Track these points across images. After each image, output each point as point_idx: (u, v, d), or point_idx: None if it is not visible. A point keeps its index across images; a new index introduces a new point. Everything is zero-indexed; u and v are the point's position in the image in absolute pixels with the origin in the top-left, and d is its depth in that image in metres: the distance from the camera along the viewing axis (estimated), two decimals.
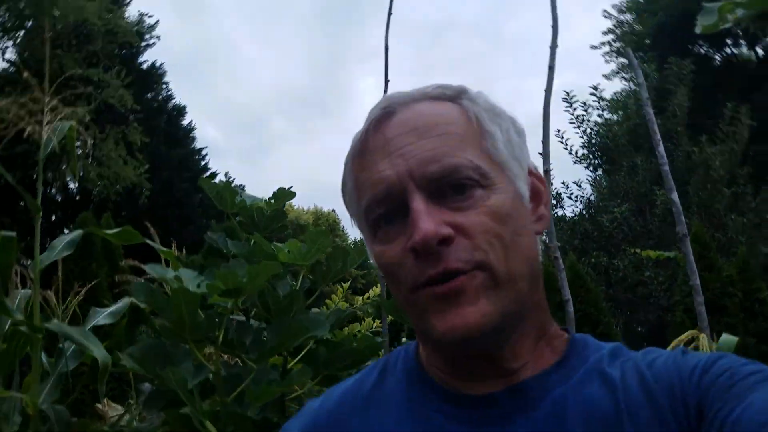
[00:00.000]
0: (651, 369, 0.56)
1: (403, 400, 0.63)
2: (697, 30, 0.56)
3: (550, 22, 2.81)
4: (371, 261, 0.69)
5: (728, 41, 16.75)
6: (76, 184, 16.00)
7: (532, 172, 0.64)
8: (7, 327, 1.95)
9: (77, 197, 16.82)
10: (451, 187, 0.57)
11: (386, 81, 2.72)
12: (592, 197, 8.92)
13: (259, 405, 1.26)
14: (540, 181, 0.65)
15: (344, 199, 0.68)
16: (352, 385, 0.69)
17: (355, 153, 0.64)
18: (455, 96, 0.63)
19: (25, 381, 1.97)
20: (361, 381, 0.68)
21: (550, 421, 0.55)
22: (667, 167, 2.83)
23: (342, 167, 0.68)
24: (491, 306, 0.55)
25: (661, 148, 2.82)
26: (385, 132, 0.61)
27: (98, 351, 1.66)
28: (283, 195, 1.97)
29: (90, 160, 13.48)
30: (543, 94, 2.48)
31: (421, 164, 0.57)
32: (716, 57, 17.21)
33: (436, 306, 0.55)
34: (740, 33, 16.32)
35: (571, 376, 0.59)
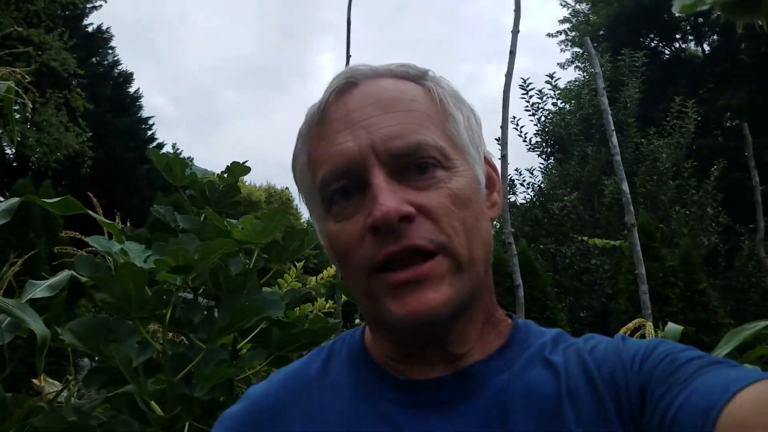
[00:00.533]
0: (592, 355, 0.57)
1: (347, 385, 0.62)
2: (675, 10, 0.54)
3: (512, 7, 2.80)
4: (320, 240, 0.67)
5: (677, 36, 17.34)
6: (14, 151, 15.19)
7: (487, 160, 0.64)
8: None
9: (14, 164, 15.98)
10: (413, 165, 0.56)
11: (348, 56, 2.66)
12: (543, 185, 9.12)
13: (207, 386, 1.22)
14: (493, 169, 0.65)
15: (294, 173, 0.65)
16: (295, 370, 0.67)
17: (312, 122, 0.61)
18: (420, 76, 0.62)
19: None
20: (306, 366, 0.67)
21: (494, 408, 0.56)
22: (619, 157, 2.90)
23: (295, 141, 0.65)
24: (452, 291, 0.54)
25: (614, 139, 2.88)
26: (347, 102, 0.59)
27: (36, 325, 1.56)
28: (237, 169, 1.89)
29: (29, 125, 12.79)
30: (499, 79, 2.52)
31: (386, 139, 0.55)
32: (666, 51, 17.80)
33: (394, 291, 0.54)
34: (689, 28, 16.92)
35: (514, 362, 0.59)
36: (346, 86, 0.59)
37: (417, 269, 0.53)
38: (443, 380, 0.58)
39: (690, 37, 17.43)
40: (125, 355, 1.09)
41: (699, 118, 9.76)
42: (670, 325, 2.38)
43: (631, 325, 1.99)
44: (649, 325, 2.00)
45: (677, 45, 17.67)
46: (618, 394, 0.53)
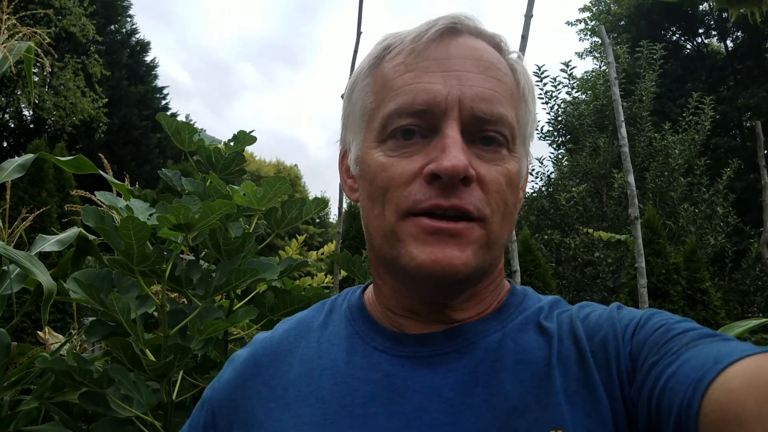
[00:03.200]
0: (585, 323, 0.58)
1: (344, 336, 0.64)
2: None
3: None
4: (346, 167, 0.65)
5: (700, 30, 17.03)
6: (31, 112, 15.32)
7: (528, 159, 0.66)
8: None
9: (31, 126, 16.12)
10: (482, 135, 0.56)
11: (359, 33, 2.67)
12: (552, 175, 9.07)
13: (202, 339, 1.27)
14: (526, 170, 0.66)
15: (351, 90, 0.64)
16: (299, 320, 0.70)
17: (400, 49, 0.59)
18: (512, 58, 0.62)
19: None
20: (310, 317, 0.69)
21: (483, 366, 0.57)
22: (626, 149, 2.90)
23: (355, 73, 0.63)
24: (474, 259, 0.55)
25: (623, 129, 2.88)
26: (448, 46, 0.58)
27: (44, 277, 1.63)
28: (244, 138, 1.93)
29: (47, 88, 12.89)
30: None
31: (475, 98, 0.55)
32: (687, 45, 17.50)
33: (424, 237, 0.54)
34: (712, 23, 16.60)
35: (508, 322, 0.60)
36: (450, 30, 0.58)
37: (454, 224, 0.54)
38: (436, 335, 0.59)
39: (713, 32, 17.11)
40: (124, 304, 1.14)
41: (717, 116, 9.63)
42: None
43: None
44: None
45: (699, 40, 17.36)
46: (608, 362, 0.53)
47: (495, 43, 0.61)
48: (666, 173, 7.89)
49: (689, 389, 0.44)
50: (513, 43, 0.65)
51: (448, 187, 0.53)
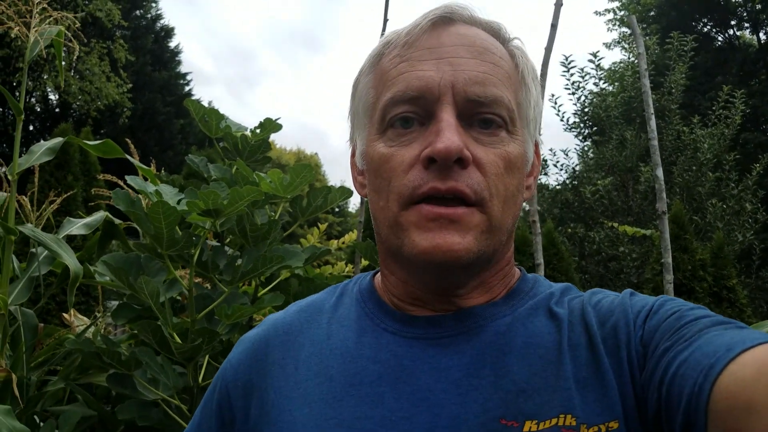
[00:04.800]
0: (596, 309, 0.57)
1: (354, 318, 0.65)
2: None
3: None
4: (355, 164, 0.67)
5: (732, 22, 16.59)
6: (57, 96, 15.56)
7: (536, 144, 0.65)
8: None
9: (56, 110, 16.39)
10: (480, 118, 0.57)
11: (385, 20, 2.64)
12: (577, 167, 8.95)
13: (228, 324, 1.27)
14: (537, 156, 0.66)
15: (354, 89, 0.66)
16: (311, 302, 0.71)
17: (395, 43, 0.61)
18: (508, 40, 0.63)
19: None
20: (322, 300, 0.70)
21: (492, 349, 0.57)
22: (655, 141, 2.83)
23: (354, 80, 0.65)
24: (475, 245, 0.55)
25: (653, 122, 2.81)
26: (440, 35, 0.59)
27: (70, 259, 1.65)
28: (270, 125, 1.93)
29: (72, 73, 13.06)
30: (541, 52, 2.44)
31: (467, 82, 0.56)
32: (719, 37, 17.07)
33: (425, 224, 0.55)
34: (745, 15, 16.16)
35: (518, 307, 0.60)
36: (442, 20, 0.60)
37: (452, 209, 0.54)
38: (445, 318, 0.60)
39: (746, 24, 16.65)
40: (154, 287, 1.14)
41: (747, 110, 9.40)
42: None
43: None
44: None
45: (731, 32, 16.91)
46: (618, 348, 0.53)
47: (491, 29, 0.63)
48: (694, 167, 7.73)
49: (700, 376, 0.44)
50: (522, 31, 0.65)
51: (444, 170, 0.54)
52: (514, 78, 0.60)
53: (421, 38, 0.59)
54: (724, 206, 7.51)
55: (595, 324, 0.56)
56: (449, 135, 0.54)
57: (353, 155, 0.68)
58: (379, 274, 0.69)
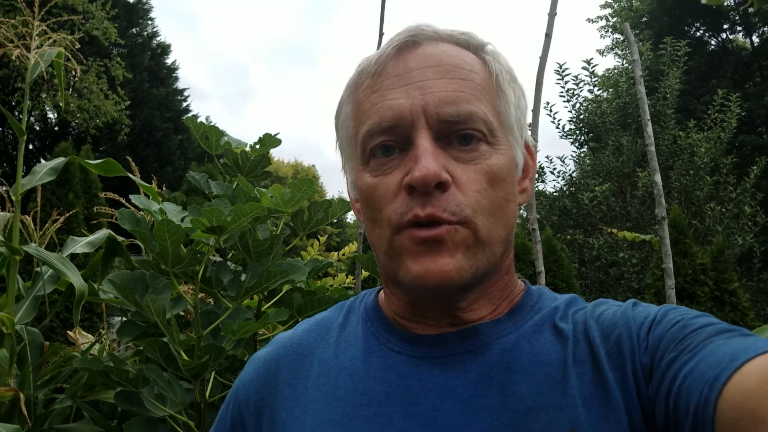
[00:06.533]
0: (599, 322, 0.57)
1: (361, 337, 0.65)
2: (703, 1, 0.55)
3: None
4: (349, 192, 0.67)
5: (725, 26, 16.71)
6: (56, 115, 15.63)
7: (527, 145, 0.65)
8: None
9: (56, 128, 16.45)
10: (458, 134, 0.56)
11: (380, 34, 2.68)
12: (574, 174, 8.98)
13: (234, 339, 1.29)
14: (531, 156, 0.65)
15: (337, 121, 0.66)
16: (319, 321, 0.71)
17: (366, 74, 0.61)
18: (479, 48, 0.62)
19: (0, 300, 1.98)
20: (330, 318, 0.71)
21: (498, 368, 0.57)
22: (652, 147, 2.85)
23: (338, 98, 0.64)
24: (467, 262, 0.55)
25: (650, 128, 2.84)
26: (407, 60, 0.59)
27: (76, 278, 1.66)
28: (269, 141, 1.95)
29: (71, 91, 13.13)
30: (536, 61, 2.47)
31: (438, 103, 0.56)
32: (712, 41, 17.18)
33: (415, 249, 0.55)
34: (737, 19, 16.27)
35: (523, 323, 0.60)
36: (407, 44, 0.59)
37: (434, 230, 0.54)
38: (449, 336, 0.60)
39: (738, 28, 16.77)
40: (160, 305, 1.16)
41: (743, 113, 9.45)
42: None
43: None
44: None
45: (724, 35, 17.03)
46: (623, 362, 0.53)
47: (459, 42, 0.61)
48: (691, 172, 7.76)
49: (705, 387, 0.43)
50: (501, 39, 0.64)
51: (425, 196, 0.54)
52: (488, 87, 0.59)
53: (388, 66, 0.59)
54: (723, 210, 7.53)
55: (599, 338, 0.56)
56: (425, 162, 0.54)
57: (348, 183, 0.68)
58: (383, 291, 0.69)
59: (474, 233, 0.55)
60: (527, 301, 0.63)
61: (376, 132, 0.57)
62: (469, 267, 0.55)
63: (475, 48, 0.62)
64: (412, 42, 0.60)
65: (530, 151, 0.65)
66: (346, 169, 0.66)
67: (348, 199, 1.89)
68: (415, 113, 0.56)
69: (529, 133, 0.66)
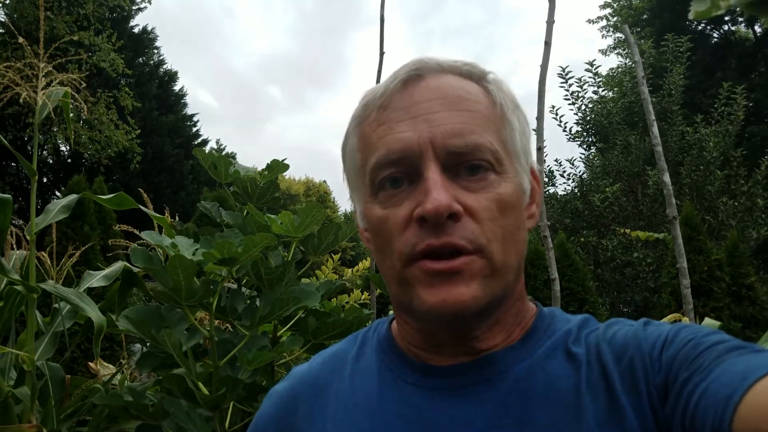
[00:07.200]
0: (611, 344, 0.57)
1: (375, 370, 0.65)
2: (690, 16, 0.55)
3: None
4: (358, 222, 0.68)
5: (726, 18, 16.62)
6: (68, 148, 15.89)
7: (532, 171, 0.65)
8: (3, 286, 1.98)
9: (68, 160, 16.70)
10: (466, 165, 0.57)
11: (381, 53, 2.72)
12: (584, 176, 8.94)
13: (250, 369, 1.31)
14: (536, 181, 0.66)
15: (343, 153, 0.67)
16: (334, 353, 0.72)
17: (371, 106, 0.62)
18: (482, 77, 0.63)
19: (20, 338, 2.02)
20: (344, 350, 0.71)
21: (513, 396, 0.57)
22: (660, 147, 2.85)
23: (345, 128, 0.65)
24: (482, 291, 0.55)
25: (655, 128, 2.84)
26: (412, 93, 0.59)
27: (94, 312, 1.69)
28: (277, 167, 1.99)
29: (81, 124, 13.35)
30: (539, 68, 2.48)
31: (446, 135, 0.56)
32: (714, 34, 17.09)
33: (429, 280, 0.55)
34: (738, 10, 16.17)
35: (536, 349, 0.60)
36: (412, 77, 0.60)
37: (451, 262, 0.54)
38: (464, 366, 0.60)
39: (740, 19, 16.68)
40: (176, 340, 1.18)
41: (750, 105, 9.38)
42: (707, 321, 2.35)
43: (666, 319, 1.98)
44: (687, 320, 1.98)
45: (726, 27, 16.94)
46: (637, 384, 0.53)
47: (462, 72, 0.62)
48: (701, 167, 7.70)
49: (720, 407, 0.44)
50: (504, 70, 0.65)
51: (437, 227, 0.54)
52: (493, 117, 0.60)
53: (395, 99, 0.60)
54: (736, 203, 7.45)
55: (612, 361, 0.56)
56: (436, 194, 0.54)
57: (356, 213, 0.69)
58: (396, 320, 0.69)
59: (489, 262, 0.56)
60: (539, 325, 0.63)
61: (384, 164, 0.58)
62: (485, 295, 0.55)
63: (478, 78, 0.62)
64: (416, 75, 0.60)
65: (536, 176, 0.66)
66: (353, 199, 0.67)
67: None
68: (423, 145, 0.56)
69: (535, 158, 0.67)
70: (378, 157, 0.58)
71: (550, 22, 2.71)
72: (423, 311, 0.56)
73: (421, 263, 0.55)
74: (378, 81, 2.50)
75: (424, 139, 0.56)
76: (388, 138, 0.58)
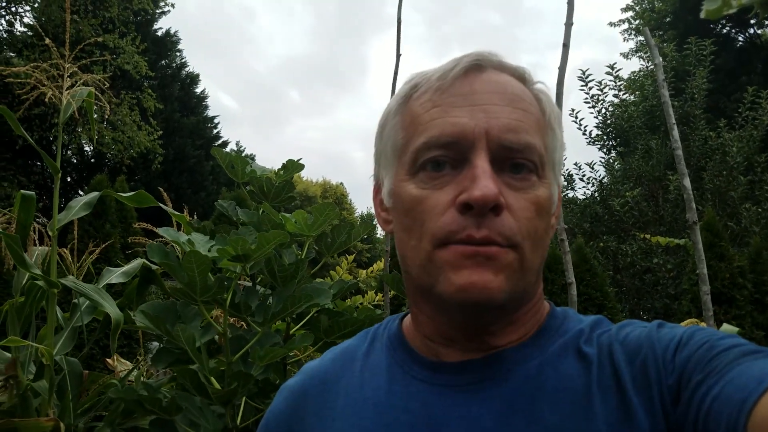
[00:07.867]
0: (624, 345, 0.57)
1: (384, 366, 0.65)
2: (702, 15, 0.55)
3: None
4: (384, 198, 0.67)
5: (752, 21, 16.32)
6: (92, 148, 16.18)
7: (558, 185, 0.66)
8: (25, 281, 2.03)
9: (92, 160, 17.01)
10: (512, 162, 0.58)
11: (398, 55, 2.72)
12: (604, 180, 8.83)
13: (262, 365, 1.32)
14: (558, 197, 0.67)
15: (382, 128, 0.66)
16: (345, 349, 0.73)
17: (427, 88, 0.61)
18: (534, 85, 0.64)
19: (41, 333, 2.06)
20: (355, 346, 0.72)
21: (522, 395, 0.56)
22: (680, 151, 2.80)
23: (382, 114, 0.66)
24: (508, 284, 0.55)
25: (676, 132, 2.79)
26: (473, 83, 0.60)
27: (112, 308, 1.72)
28: (292, 166, 2.01)
29: (105, 124, 13.59)
30: (557, 70, 2.46)
31: (502, 129, 0.57)
32: (739, 38, 16.80)
33: (461, 262, 0.55)
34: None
35: (547, 348, 0.60)
36: (473, 67, 0.61)
37: (487, 247, 0.54)
38: (473, 363, 0.60)
39: (766, 22, 16.37)
40: (190, 334, 1.20)
41: None
42: (725, 326, 2.31)
43: (684, 324, 1.93)
44: (703, 326, 1.94)
45: (752, 31, 16.64)
46: (649, 386, 0.52)
47: (519, 75, 0.63)
48: (724, 172, 7.56)
49: (734, 411, 0.43)
50: (542, 74, 0.66)
51: (480, 217, 0.54)
52: (542, 123, 0.61)
53: (454, 84, 0.60)
54: (759, 210, 7.30)
55: (624, 362, 0.55)
56: (485, 182, 0.54)
57: (377, 191, 0.69)
58: (407, 317, 0.69)
59: (520, 259, 0.56)
60: (551, 323, 0.63)
61: (433, 145, 0.58)
62: (509, 289, 0.55)
63: (531, 84, 0.64)
64: (478, 66, 0.61)
65: (559, 194, 0.67)
66: (382, 177, 0.66)
67: (374, 218, 1.92)
68: (478, 134, 0.57)
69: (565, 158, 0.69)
70: (428, 137, 0.58)
71: (569, 24, 2.69)
72: (448, 293, 0.55)
73: (456, 246, 0.55)
74: (394, 83, 2.50)
75: (480, 128, 0.57)
76: (440, 120, 0.58)
